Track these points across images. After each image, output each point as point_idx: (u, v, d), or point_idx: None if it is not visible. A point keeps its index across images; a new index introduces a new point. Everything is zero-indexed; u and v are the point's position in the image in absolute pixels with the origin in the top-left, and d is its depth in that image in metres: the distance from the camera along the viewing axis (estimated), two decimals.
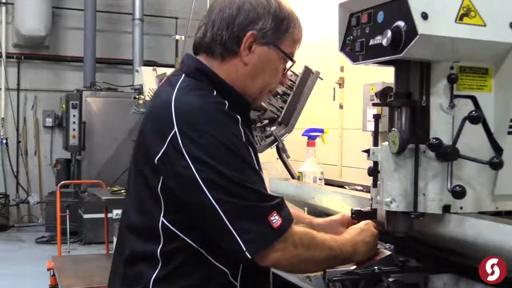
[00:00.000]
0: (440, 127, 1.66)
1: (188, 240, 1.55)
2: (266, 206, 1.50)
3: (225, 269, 1.58)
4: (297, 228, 1.59)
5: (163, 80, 1.71)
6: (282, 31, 1.63)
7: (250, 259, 1.49)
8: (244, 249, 1.47)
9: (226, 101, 1.56)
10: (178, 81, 1.59)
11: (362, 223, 1.81)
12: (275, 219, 1.49)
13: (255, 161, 1.57)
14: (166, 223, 1.54)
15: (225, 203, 1.47)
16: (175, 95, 1.54)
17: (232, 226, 1.47)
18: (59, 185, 6.29)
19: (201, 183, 1.46)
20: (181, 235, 1.54)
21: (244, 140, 1.54)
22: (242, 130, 1.54)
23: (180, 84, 1.58)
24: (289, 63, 1.70)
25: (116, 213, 5.58)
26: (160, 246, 1.55)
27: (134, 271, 1.61)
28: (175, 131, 1.48)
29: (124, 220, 1.72)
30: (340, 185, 2.95)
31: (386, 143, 1.70)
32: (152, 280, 1.55)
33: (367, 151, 1.80)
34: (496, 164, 1.62)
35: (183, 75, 1.62)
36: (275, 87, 1.75)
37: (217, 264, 1.57)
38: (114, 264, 1.76)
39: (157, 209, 1.55)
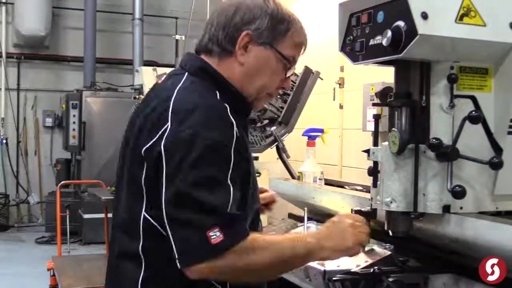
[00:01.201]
0: (440, 127, 1.66)
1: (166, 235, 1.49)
2: (208, 220, 1.41)
3: None
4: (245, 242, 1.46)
5: (162, 78, 1.70)
6: (279, 32, 1.60)
7: (184, 269, 1.43)
8: (177, 257, 1.43)
9: (227, 105, 1.52)
10: (181, 80, 1.58)
11: (336, 216, 1.68)
12: (215, 235, 1.40)
13: (230, 174, 1.46)
14: (148, 217, 1.51)
15: (171, 204, 1.42)
16: (177, 92, 1.53)
17: (172, 231, 1.43)
18: (59, 185, 6.29)
19: (164, 175, 1.43)
20: (160, 229, 1.49)
21: (232, 148, 1.47)
22: (235, 137, 1.48)
23: (183, 82, 1.57)
24: (290, 68, 1.65)
25: None
26: (141, 243, 1.52)
27: (122, 271, 1.59)
28: (167, 126, 1.46)
29: (114, 218, 1.71)
30: (340, 185, 2.96)
31: (386, 143, 1.70)
32: (140, 281, 1.52)
33: (367, 151, 1.80)
34: (496, 164, 1.62)
35: (186, 73, 1.61)
36: (274, 91, 1.70)
37: None
38: (108, 266, 1.72)
39: (139, 203, 1.52)
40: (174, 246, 1.43)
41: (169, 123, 1.46)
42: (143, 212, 1.51)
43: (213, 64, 1.62)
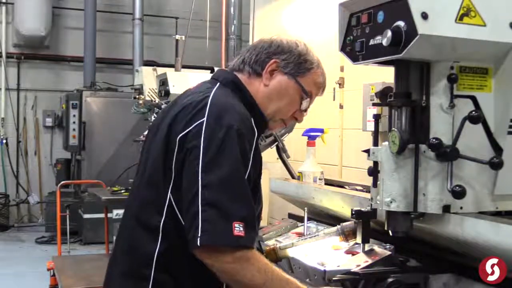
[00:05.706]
0: (440, 127, 1.66)
1: (182, 220, 1.63)
2: (239, 212, 1.54)
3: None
4: (259, 256, 1.60)
5: (196, 85, 1.88)
6: (303, 68, 1.82)
7: (198, 247, 1.52)
8: (199, 235, 1.51)
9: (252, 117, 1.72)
10: (215, 86, 1.78)
11: None
12: (239, 229, 1.52)
13: (247, 175, 1.62)
14: (171, 198, 1.66)
15: (207, 188, 1.54)
16: (213, 94, 1.72)
17: (201, 211, 1.52)
18: (59, 185, 6.28)
19: (201, 161, 1.57)
20: (177, 211, 1.64)
21: (252, 152, 1.64)
22: (255, 144, 1.67)
23: (217, 89, 1.77)
24: (306, 101, 1.83)
25: (116, 213, 5.58)
26: (163, 219, 1.66)
27: (136, 238, 1.72)
28: (203, 120, 1.62)
29: (132, 190, 1.87)
30: (340, 185, 2.96)
31: (386, 143, 1.70)
32: (156, 253, 1.66)
33: (367, 151, 1.80)
34: (496, 164, 1.62)
35: (218, 83, 1.80)
36: (288, 119, 1.88)
37: None
38: (121, 227, 1.85)
39: (167, 183, 1.66)
40: (199, 225, 1.52)
41: (205, 118, 1.62)
42: (169, 193, 1.66)
43: (242, 79, 1.83)
